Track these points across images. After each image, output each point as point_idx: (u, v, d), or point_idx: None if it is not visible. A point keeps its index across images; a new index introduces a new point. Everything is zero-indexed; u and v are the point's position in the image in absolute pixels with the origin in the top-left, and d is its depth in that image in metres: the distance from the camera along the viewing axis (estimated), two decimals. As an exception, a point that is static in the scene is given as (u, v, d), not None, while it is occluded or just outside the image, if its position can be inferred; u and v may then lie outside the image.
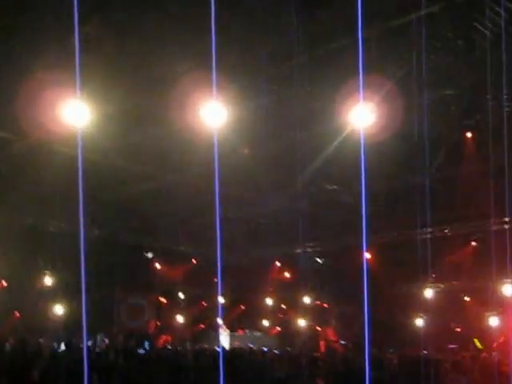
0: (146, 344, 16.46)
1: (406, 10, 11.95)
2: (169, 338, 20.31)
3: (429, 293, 21.27)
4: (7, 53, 12.06)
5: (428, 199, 14.43)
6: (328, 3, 11.93)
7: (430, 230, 18.02)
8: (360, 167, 8.60)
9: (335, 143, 15.19)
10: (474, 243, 20.50)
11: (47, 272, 21.29)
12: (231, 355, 15.72)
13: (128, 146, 15.28)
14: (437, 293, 21.71)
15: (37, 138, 14.03)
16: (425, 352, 16.40)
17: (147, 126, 14.41)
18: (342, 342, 21.23)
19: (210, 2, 7.39)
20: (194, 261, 22.91)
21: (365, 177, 8.56)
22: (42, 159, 15.15)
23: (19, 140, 14.79)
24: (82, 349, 14.33)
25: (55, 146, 14.38)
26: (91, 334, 18.24)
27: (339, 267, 21.16)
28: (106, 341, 18.74)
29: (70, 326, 17.62)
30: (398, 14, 12.12)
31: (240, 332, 23.86)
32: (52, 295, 20.84)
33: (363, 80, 9.03)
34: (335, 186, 18.54)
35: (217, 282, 20.72)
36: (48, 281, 21.43)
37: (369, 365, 7.53)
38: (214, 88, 9.34)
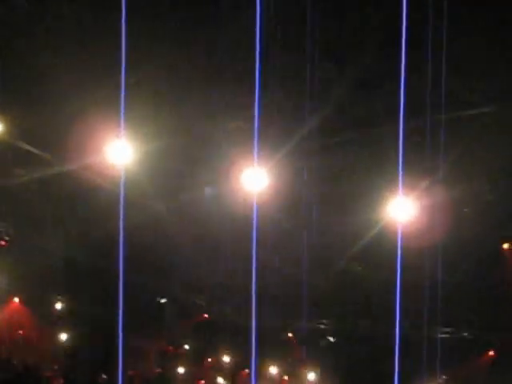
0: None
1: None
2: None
3: None
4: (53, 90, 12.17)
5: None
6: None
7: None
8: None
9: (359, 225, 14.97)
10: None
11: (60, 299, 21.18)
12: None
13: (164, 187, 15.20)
14: None
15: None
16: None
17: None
18: None
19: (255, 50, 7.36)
20: (205, 315, 22.65)
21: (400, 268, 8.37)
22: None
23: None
24: None
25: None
26: (85, 373, 18.07)
27: (350, 348, 20.79)
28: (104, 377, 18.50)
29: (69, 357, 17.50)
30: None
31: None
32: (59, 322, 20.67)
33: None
34: (359, 267, 18.33)
35: (225, 342, 20.59)
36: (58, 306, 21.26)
37: None
38: (255, 155, 9.31)
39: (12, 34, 11.19)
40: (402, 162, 8.56)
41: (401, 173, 8.81)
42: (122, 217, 6.77)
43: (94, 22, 11.14)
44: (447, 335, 19.00)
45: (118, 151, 11.23)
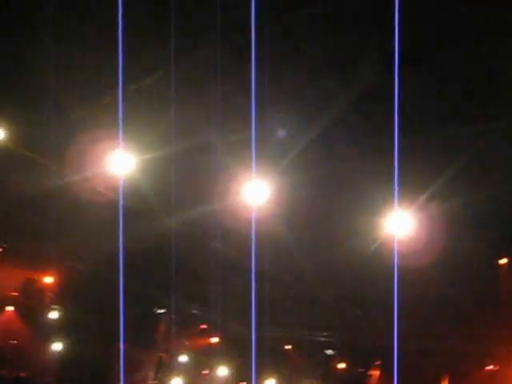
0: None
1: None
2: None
3: None
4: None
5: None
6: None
7: None
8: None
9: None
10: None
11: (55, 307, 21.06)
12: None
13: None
14: None
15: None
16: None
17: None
18: None
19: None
20: (203, 326, 22.62)
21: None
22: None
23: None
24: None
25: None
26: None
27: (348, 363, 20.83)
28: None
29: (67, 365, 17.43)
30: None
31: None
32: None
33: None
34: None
35: (223, 352, 20.47)
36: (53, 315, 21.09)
37: None
38: (254, 166, 9.28)
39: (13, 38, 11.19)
40: (398, 176, 8.55)
41: (397, 187, 8.79)
42: (121, 226, 6.77)
43: (96, 28, 11.13)
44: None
45: (119, 161, 11.24)
